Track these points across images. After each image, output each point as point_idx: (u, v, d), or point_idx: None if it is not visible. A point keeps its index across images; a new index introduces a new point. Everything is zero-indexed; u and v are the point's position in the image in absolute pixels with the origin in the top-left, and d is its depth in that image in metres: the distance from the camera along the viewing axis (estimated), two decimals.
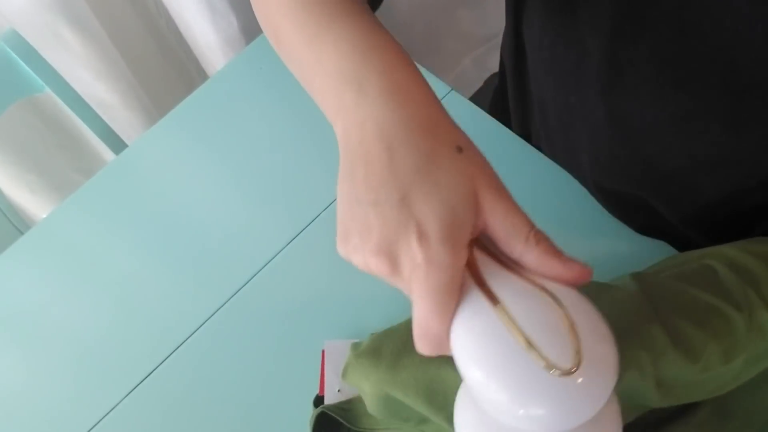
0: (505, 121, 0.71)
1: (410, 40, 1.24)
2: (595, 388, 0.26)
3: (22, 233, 0.74)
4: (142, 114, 1.05)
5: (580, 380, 0.26)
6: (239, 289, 0.65)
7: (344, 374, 0.47)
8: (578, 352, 0.26)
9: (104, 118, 0.98)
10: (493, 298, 0.28)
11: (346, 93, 0.33)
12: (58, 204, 0.75)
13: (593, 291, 0.45)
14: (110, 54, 0.95)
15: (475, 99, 0.72)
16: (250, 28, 0.96)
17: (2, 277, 0.71)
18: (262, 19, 0.41)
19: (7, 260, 0.72)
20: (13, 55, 0.83)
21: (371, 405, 0.47)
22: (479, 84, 1.56)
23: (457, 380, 0.32)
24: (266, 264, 0.66)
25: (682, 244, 0.59)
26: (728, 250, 0.47)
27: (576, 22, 0.48)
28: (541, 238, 0.30)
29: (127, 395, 0.62)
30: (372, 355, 0.45)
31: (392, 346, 0.45)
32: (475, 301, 0.28)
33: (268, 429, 0.59)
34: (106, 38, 0.94)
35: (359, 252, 0.30)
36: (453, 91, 0.72)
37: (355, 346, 0.47)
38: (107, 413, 0.61)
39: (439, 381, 0.43)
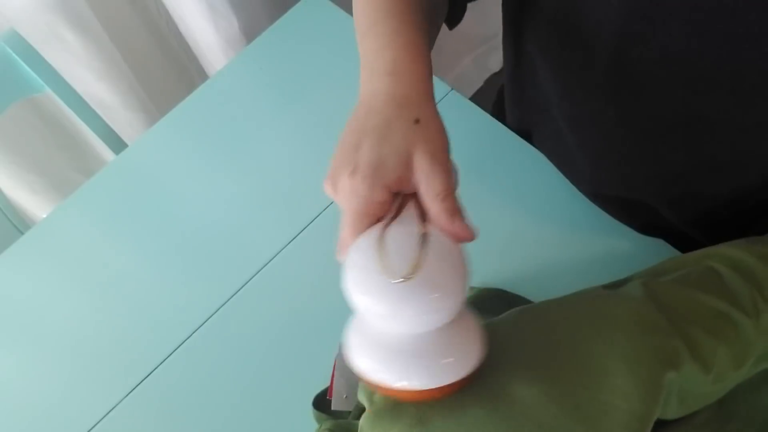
0: (507, 121, 0.71)
1: None
2: (419, 296, 0.33)
3: (22, 233, 0.74)
4: (142, 114, 1.05)
5: (411, 287, 0.33)
6: (239, 289, 0.65)
7: (361, 429, 0.44)
8: (415, 268, 0.33)
9: (104, 118, 0.98)
10: (379, 232, 0.36)
11: (364, 74, 0.44)
12: (59, 204, 0.75)
13: (602, 297, 0.45)
14: (110, 54, 0.95)
15: (476, 99, 0.72)
16: (250, 29, 0.96)
17: (2, 276, 0.71)
18: (355, 19, 0.51)
19: (7, 260, 0.72)
20: (14, 55, 0.83)
21: None
22: (480, 84, 1.56)
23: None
24: (266, 264, 0.66)
25: (682, 242, 0.59)
26: (730, 251, 0.46)
27: (583, 24, 0.48)
28: (448, 199, 0.37)
29: (126, 395, 0.62)
30: (392, 412, 0.40)
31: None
32: (371, 229, 0.37)
33: (268, 429, 0.59)
34: (107, 38, 0.94)
35: (326, 179, 0.41)
36: (453, 91, 0.72)
37: (369, 397, 0.42)
38: (107, 413, 0.61)
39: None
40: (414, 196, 0.39)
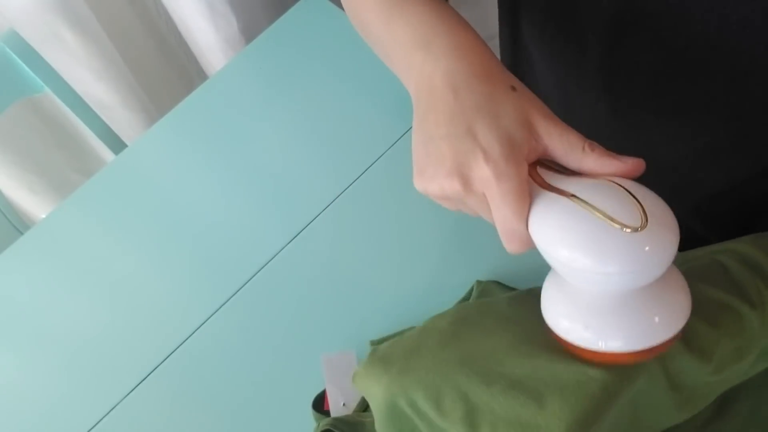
0: None
1: None
2: (662, 241, 0.31)
3: (21, 233, 0.74)
4: (142, 114, 1.05)
5: (649, 234, 0.31)
6: (239, 289, 0.65)
7: (354, 378, 0.47)
8: (644, 213, 0.31)
9: (104, 118, 0.98)
10: (562, 192, 0.34)
11: (416, 54, 0.40)
12: (58, 204, 0.75)
13: None
14: (110, 54, 0.95)
15: None
16: (249, 28, 0.96)
17: (2, 276, 0.71)
18: (352, 16, 0.47)
19: (6, 260, 0.72)
20: (13, 55, 0.83)
21: (379, 415, 0.46)
22: None
23: (468, 383, 0.39)
24: (266, 264, 0.66)
25: (683, 235, 0.59)
26: (737, 245, 0.46)
27: (576, 15, 0.48)
28: (595, 146, 0.35)
29: (127, 395, 0.62)
30: (383, 361, 0.45)
31: (401, 352, 0.45)
32: (546, 199, 0.35)
33: (268, 429, 0.59)
34: (106, 38, 0.94)
35: (434, 180, 0.36)
36: None
37: (372, 353, 0.46)
38: (107, 413, 0.61)
39: (447, 384, 0.43)
40: (539, 161, 0.37)
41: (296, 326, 0.63)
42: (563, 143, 0.36)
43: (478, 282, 0.61)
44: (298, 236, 0.67)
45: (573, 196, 0.33)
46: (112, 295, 0.68)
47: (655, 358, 0.38)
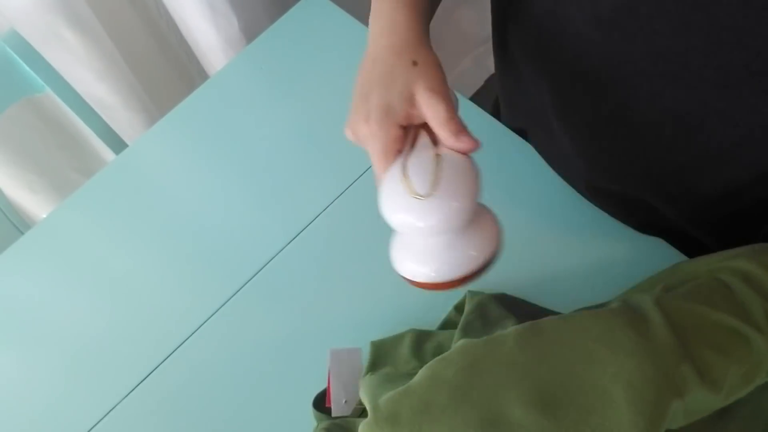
0: (507, 121, 0.71)
1: None
2: (442, 207, 0.41)
3: (22, 233, 0.74)
4: (143, 114, 1.05)
5: (431, 201, 0.41)
6: (240, 289, 0.65)
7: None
8: (433, 185, 0.41)
9: (104, 118, 0.98)
10: (401, 161, 0.43)
11: (372, 29, 0.50)
12: (59, 204, 0.75)
13: (609, 317, 0.45)
14: (111, 54, 0.95)
15: (476, 98, 0.72)
16: (250, 29, 0.96)
17: (2, 276, 0.71)
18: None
19: (7, 260, 0.72)
20: (14, 55, 0.83)
21: None
22: (480, 84, 1.56)
23: None
24: (266, 264, 0.66)
25: (681, 241, 0.59)
26: (738, 263, 0.46)
27: (572, 22, 0.48)
28: (450, 122, 0.43)
29: (126, 395, 0.62)
30: (390, 421, 0.43)
31: (410, 411, 0.43)
32: (394, 164, 0.44)
33: (268, 429, 0.59)
34: (107, 38, 0.94)
35: (346, 129, 0.46)
36: (453, 91, 0.72)
37: (375, 410, 0.44)
38: (107, 413, 0.61)
39: None
40: (425, 125, 0.45)
41: (297, 326, 0.63)
42: (431, 114, 0.43)
43: (471, 294, 0.59)
44: (299, 236, 0.67)
45: (401, 162, 0.43)
46: (113, 294, 0.68)
47: (677, 396, 0.40)
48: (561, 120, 0.58)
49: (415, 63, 0.47)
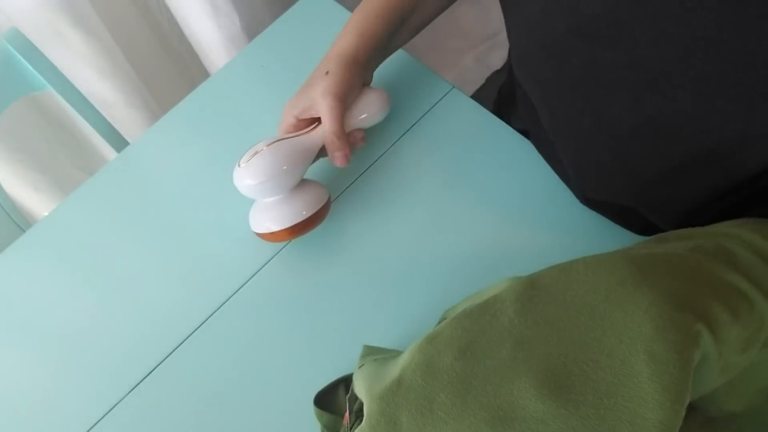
0: (508, 119, 0.71)
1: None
2: (248, 176, 0.59)
3: (24, 230, 0.74)
4: (144, 112, 1.05)
5: (240, 169, 0.59)
6: (240, 287, 0.66)
7: None
8: (247, 161, 0.59)
9: (106, 115, 0.98)
10: (264, 142, 0.61)
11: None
12: (60, 201, 0.75)
13: (627, 263, 0.40)
14: (112, 52, 0.95)
15: (477, 97, 0.72)
16: (252, 26, 0.96)
17: (4, 274, 0.71)
18: None
19: (9, 257, 0.72)
20: (15, 53, 0.83)
21: None
22: (481, 82, 1.56)
23: None
24: (268, 261, 0.67)
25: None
26: (741, 232, 0.44)
27: (556, 30, 0.48)
28: (330, 136, 0.60)
29: (127, 394, 0.62)
30: (390, 425, 0.38)
31: (410, 414, 0.38)
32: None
33: (267, 429, 0.59)
34: (108, 36, 0.94)
35: None
36: (454, 89, 0.72)
37: (369, 416, 0.39)
38: (108, 411, 0.62)
39: None
40: (311, 121, 0.63)
41: (297, 325, 0.63)
42: (323, 122, 0.60)
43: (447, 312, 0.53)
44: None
45: (263, 144, 0.60)
46: (115, 292, 0.68)
47: (693, 363, 0.36)
48: (550, 130, 0.59)
49: (327, 73, 0.61)
